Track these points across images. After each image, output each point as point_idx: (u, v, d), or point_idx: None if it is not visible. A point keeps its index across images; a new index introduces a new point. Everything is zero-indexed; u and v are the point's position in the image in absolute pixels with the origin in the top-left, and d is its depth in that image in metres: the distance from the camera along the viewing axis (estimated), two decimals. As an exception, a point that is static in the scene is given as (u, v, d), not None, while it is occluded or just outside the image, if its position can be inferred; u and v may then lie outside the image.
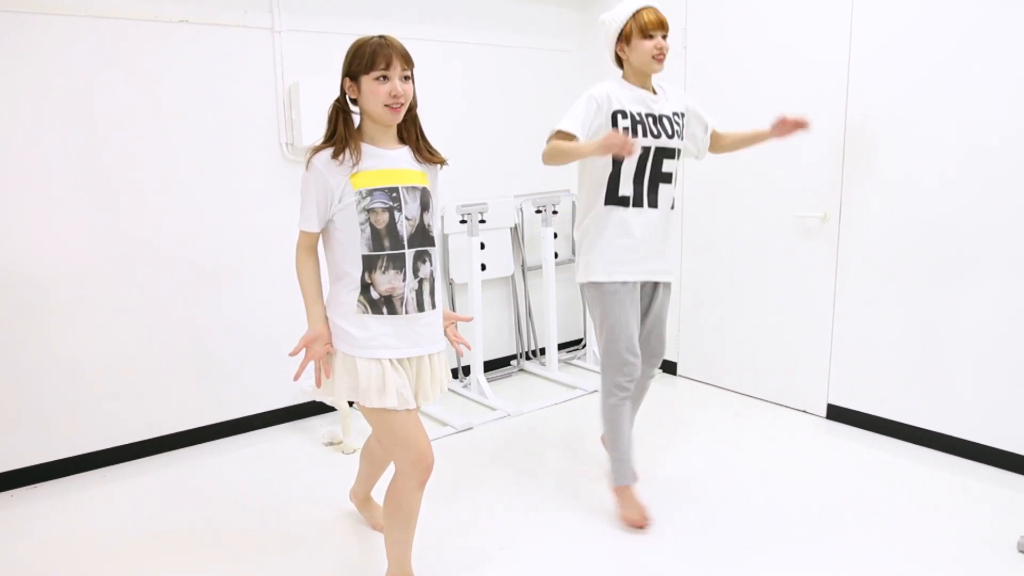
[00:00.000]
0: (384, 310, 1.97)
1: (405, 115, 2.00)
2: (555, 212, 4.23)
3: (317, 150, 1.96)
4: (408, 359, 2.03)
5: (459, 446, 3.32)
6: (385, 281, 1.96)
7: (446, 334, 2.16)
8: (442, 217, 4.02)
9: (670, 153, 2.54)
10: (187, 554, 2.47)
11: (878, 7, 3.11)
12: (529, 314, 4.53)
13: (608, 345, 2.56)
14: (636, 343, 2.56)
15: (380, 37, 1.94)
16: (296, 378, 2.05)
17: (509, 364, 4.48)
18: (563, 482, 2.94)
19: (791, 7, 3.43)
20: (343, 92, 1.99)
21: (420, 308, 2.02)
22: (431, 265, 2.04)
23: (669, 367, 4.29)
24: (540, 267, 4.37)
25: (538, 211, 4.16)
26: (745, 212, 3.75)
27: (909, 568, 2.31)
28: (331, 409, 3.72)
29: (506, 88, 4.22)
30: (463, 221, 3.82)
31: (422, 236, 2.01)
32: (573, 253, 4.48)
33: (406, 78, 1.95)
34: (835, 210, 3.37)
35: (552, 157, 2.40)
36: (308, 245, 2.02)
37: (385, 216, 1.94)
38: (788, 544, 2.46)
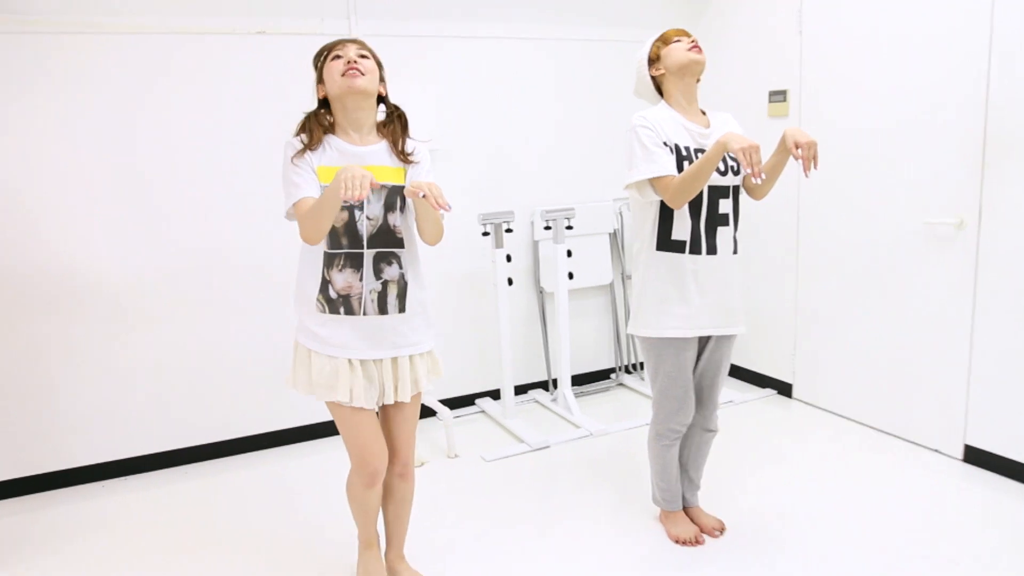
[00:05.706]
0: (341, 310, 1.92)
1: (387, 110, 1.97)
2: (657, 217, 3.92)
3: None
4: (374, 361, 1.97)
5: (530, 465, 3.14)
6: (341, 280, 1.91)
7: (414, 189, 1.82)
8: (531, 223, 3.85)
9: (724, 192, 2.24)
10: (236, 557, 2.49)
11: (1029, -31, 2.57)
12: (631, 325, 4.25)
13: (662, 394, 2.37)
14: (692, 392, 2.36)
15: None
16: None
17: (608, 378, 4.23)
18: (626, 508, 2.68)
19: (923, -23, 2.93)
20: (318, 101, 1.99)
21: (382, 311, 1.94)
22: (400, 268, 1.97)
23: (784, 389, 3.85)
24: (642, 275, 4.08)
25: (637, 216, 3.88)
26: (867, 219, 3.26)
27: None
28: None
29: (601, 85, 3.94)
30: (547, 227, 3.62)
31: (385, 237, 1.94)
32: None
33: (363, 56, 1.91)
34: (974, 215, 2.84)
35: (685, 195, 2.13)
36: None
37: (344, 214, 1.88)
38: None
